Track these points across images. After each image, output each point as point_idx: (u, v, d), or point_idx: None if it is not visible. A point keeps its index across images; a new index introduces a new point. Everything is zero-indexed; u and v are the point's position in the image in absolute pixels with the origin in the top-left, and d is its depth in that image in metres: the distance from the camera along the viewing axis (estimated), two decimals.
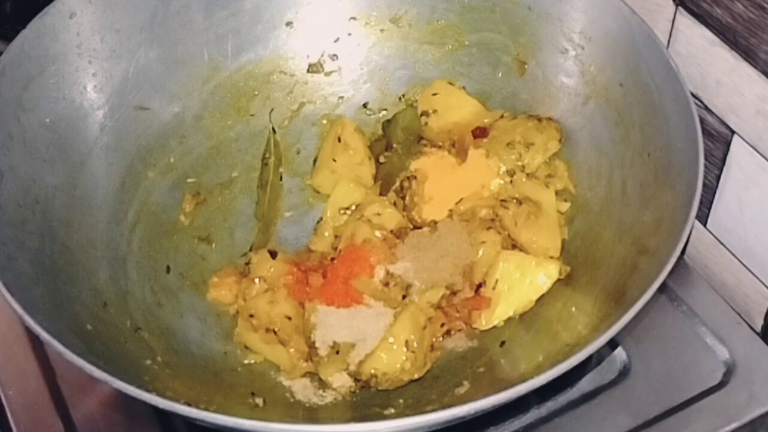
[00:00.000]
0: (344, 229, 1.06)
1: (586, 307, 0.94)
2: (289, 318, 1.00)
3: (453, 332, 1.00)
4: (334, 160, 1.11)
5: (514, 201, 1.05)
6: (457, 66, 1.16)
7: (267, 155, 1.14)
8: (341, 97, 1.18)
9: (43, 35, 1.00)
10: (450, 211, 1.07)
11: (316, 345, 0.98)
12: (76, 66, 1.03)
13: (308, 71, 1.17)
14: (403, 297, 1.00)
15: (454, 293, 1.01)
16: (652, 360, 1.00)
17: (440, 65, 1.16)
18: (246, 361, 1.00)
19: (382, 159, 1.13)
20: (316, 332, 0.99)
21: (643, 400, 0.98)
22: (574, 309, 0.96)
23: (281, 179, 1.14)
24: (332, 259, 1.04)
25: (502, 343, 0.99)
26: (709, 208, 1.07)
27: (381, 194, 1.09)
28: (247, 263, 1.05)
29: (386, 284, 1.01)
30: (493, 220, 1.04)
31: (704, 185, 0.89)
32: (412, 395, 0.96)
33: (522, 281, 0.99)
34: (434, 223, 1.06)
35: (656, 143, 0.97)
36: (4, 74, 0.97)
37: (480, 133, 1.10)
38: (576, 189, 1.07)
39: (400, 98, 1.17)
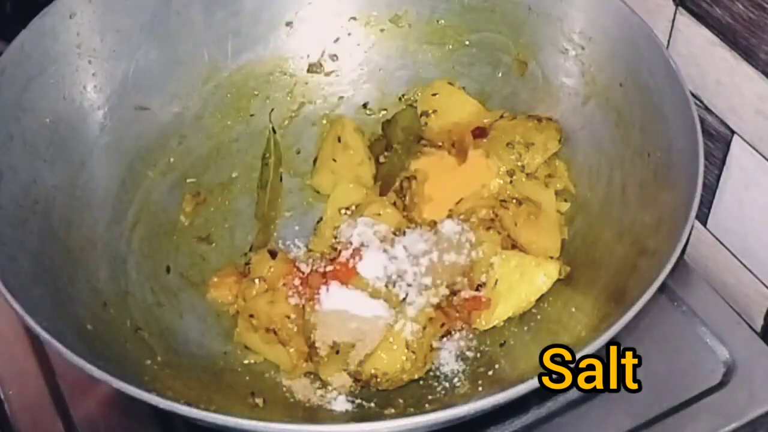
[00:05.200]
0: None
1: (586, 307, 0.94)
2: (289, 318, 1.00)
3: (453, 332, 1.00)
4: (334, 160, 1.11)
5: (514, 201, 1.05)
6: (457, 66, 1.16)
7: (267, 155, 1.14)
8: (341, 97, 1.18)
9: (43, 35, 1.00)
10: (450, 211, 1.07)
11: (316, 345, 0.98)
12: (76, 66, 1.03)
13: (308, 71, 1.17)
14: (404, 297, 1.00)
15: (454, 293, 1.01)
16: (652, 360, 1.00)
17: (440, 65, 1.16)
18: (246, 361, 1.00)
19: (382, 159, 1.13)
20: (316, 332, 0.99)
21: (643, 400, 0.98)
22: (574, 309, 0.96)
23: (281, 179, 1.14)
24: (332, 259, 1.04)
25: (502, 343, 0.99)
26: (709, 208, 1.07)
27: (381, 194, 1.09)
28: (247, 263, 1.05)
29: (386, 284, 1.01)
30: (492, 220, 1.04)
31: (704, 185, 0.89)
32: (412, 395, 0.96)
33: (522, 281, 0.99)
34: (434, 223, 1.06)
35: (656, 143, 0.97)
36: (4, 74, 0.97)
37: (480, 133, 1.10)
38: (576, 189, 1.07)
39: (400, 98, 1.17)
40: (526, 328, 0.99)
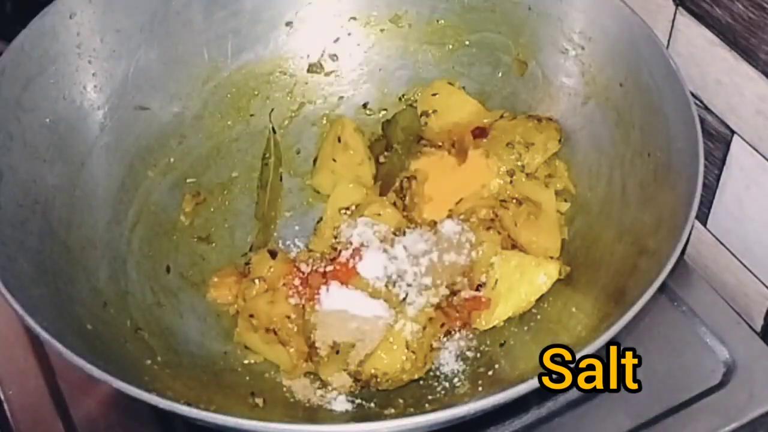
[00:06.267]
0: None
1: (586, 307, 0.94)
2: (289, 318, 1.00)
3: (453, 332, 1.00)
4: (334, 160, 1.11)
5: (514, 201, 1.05)
6: (457, 66, 1.16)
7: (267, 155, 1.14)
8: (341, 97, 1.18)
9: (43, 35, 1.00)
10: (450, 211, 1.07)
11: (316, 345, 0.98)
12: (76, 66, 1.03)
13: (308, 71, 1.17)
14: (404, 297, 1.00)
15: (454, 293, 1.01)
16: (652, 360, 1.00)
17: (440, 65, 1.16)
18: (246, 361, 1.00)
19: (382, 159, 1.13)
20: (316, 332, 0.99)
21: (643, 400, 0.98)
22: (574, 309, 0.96)
23: (281, 179, 1.14)
24: (332, 259, 1.04)
25: (502, 343, 0.99)
26: (709, 208, 1.07)
27: (381, 194, 1.09)
28: (247, 263, 1.05)
29: (386, 284, 1.01)
30: (492, 220, 1.04)
31: (704, 185, 0.89)
32: (412, 395, 0.96)
33: (522, 281, 0.99)
34: (434, 223, 1.06)
35: (656, 143, 0.97)
36: (4, 74, 0.97)
37: (480, 133, 1.10)
38: (576, 189, 1.07)
39: (400, 98, 1.17)
40: (526, 328, 0.99)
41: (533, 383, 0.79)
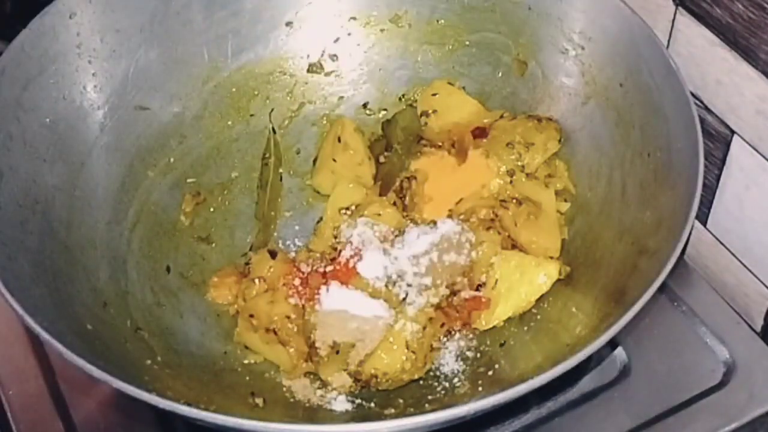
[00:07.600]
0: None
1: (586, 307, 0.94)
2: (289, 318, 1.00)
3: (453, 332, 1.00)
4: (334, 160, 1.11)
5: (514, 201, 1.05)
6: (457, 66, 1.16)
7: (267, 155, 1.15)
8: (341, 97, 1.18)
9: (43, 35, 1.00)
10: (450, 211, 1.07)
11: (316, 345, 0.98)
12: (76, 66, 1.03)
13: (308, 71, 1.17)
14: (404, 297, 1.00)
15: (454, 293, 1.01)
16: (652, 360, 1.00)
17: (440, 65, 1.16)
18: (246, 361, 1.00)
19: (382, 159, 1.13)
20: (316, 332, 0.99)
21: (643, 400, 0.98)
22: (574, 309, 0.96)
23: (281, 179, 1.14)
24: (332, 259, 1.04)
25: (502, 343, 0.99)
26: (709, 208, 1.07)
27: (381, 194, 1.09)
28: (247, 263, 1.05)
29: (386, 284, 1.01)
30: (492, 220, 1.04)
31: (704, 185, 0.89)
32: (412, 395, 0.96)
33: (522, 281, 0.99)
34: (434, 223, 1.06)
35: (656, 143, 0.97)
36: (4, 74, 0.97)
37: (480, 133, 1.10)
38: (576, 189, 1.07)
39: (400, 98, 1.17)
40: (526, 328, 0.99)
41: (533, 383, 0.79)
